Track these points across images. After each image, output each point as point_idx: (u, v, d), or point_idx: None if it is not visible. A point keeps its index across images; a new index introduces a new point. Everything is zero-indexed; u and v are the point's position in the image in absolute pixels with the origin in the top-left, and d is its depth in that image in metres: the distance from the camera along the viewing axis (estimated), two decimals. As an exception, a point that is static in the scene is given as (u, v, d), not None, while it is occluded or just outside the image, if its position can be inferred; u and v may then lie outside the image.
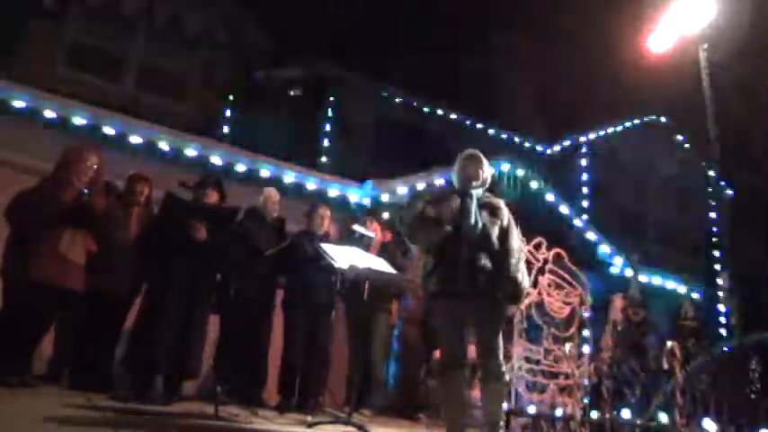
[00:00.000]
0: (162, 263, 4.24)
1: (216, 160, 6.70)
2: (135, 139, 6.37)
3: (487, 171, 3.46)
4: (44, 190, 3.99)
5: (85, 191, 3.95)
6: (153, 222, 4.55)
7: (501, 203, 3.44)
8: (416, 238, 3.35)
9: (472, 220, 3.23)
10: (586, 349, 5.11)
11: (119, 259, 4.34)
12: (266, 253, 4.47)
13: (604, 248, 9.31)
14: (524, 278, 3.36)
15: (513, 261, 3.29)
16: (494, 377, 3.17)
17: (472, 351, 3.50)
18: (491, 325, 3.22)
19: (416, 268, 6.97)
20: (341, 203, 7.16)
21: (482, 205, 3.33)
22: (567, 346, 4.83)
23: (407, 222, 3.33)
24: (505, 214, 3.40)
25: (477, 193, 3.37)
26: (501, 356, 3.20)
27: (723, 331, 9.88)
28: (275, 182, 6.58)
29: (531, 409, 4.57)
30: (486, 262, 3.19)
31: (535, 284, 4.64)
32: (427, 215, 3.22)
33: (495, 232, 3.28)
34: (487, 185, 3.49)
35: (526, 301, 4.49)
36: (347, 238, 4.80)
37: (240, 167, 6.79)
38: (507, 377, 3.30)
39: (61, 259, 3.89)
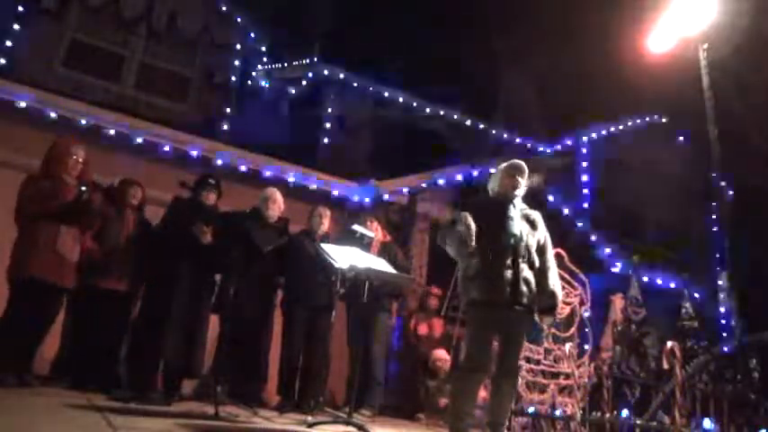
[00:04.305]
0: (165, 264, 4.24)
1: (217, 160, 6.69)
2: (135, 140, 6.36)
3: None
4: (41, 187, 3.97)
5: (84, 188, 3.96)
6: (158, 223, 4.57)
7: (538, 216, 3.46)
8: (449, 247, 3.33)
9: (517, 230, 3.26)
10: (586, 349, 5.11)
11: (118, 260, 4.35)
12: (264, 250, 4.46)
13: (605, 249, 9.30)
14: (560, 291, 3.44)
15: (552, 274, 3.36)
16: (508, 378, 3.23)
17: None
18: (520, 333, 3.28)
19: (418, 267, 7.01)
20: (341, 203, 7.16)
21: (521, 216, 3.37)
22: (567, 346, 4.83)
23: (442, 233, 3.35)
24: (543, 226, 3.44)
25: (518, 203, 3.41)
26: (520, 359, 3.27)
27: (723, 331, 9.86)
28: (275, 182, 6.57)
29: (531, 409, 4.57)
30: (528, 274, 3.24)
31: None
32: (465, 223, 3.16)
33: (534, 244, 3.33)
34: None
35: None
36: (347, 237, 4.79)
37: (241, 167, 6.78)
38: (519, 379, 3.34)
39: (58, 256, 3.90)
